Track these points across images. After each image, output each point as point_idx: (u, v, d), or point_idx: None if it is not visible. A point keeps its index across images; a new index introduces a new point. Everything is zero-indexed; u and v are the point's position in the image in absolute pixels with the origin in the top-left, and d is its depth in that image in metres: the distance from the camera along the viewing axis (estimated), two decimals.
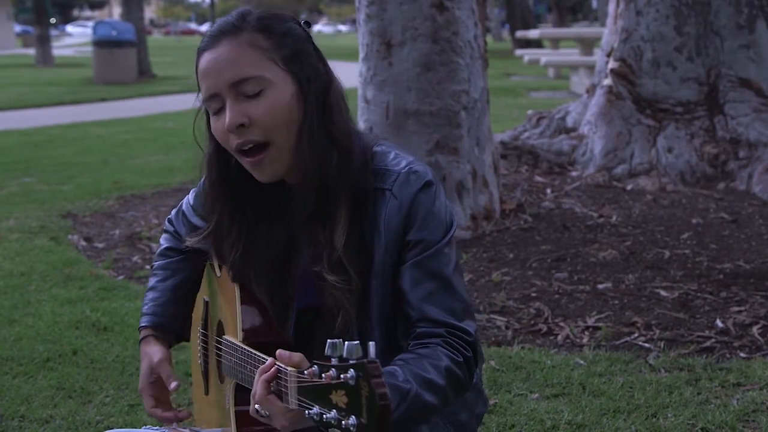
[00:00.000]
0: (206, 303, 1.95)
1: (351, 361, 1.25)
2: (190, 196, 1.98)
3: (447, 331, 1.63)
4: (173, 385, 1.82)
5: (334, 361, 1.27)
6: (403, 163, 1.67)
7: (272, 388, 1.45)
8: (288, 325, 1.73)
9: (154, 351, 1.90)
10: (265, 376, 1.45)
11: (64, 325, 4.14)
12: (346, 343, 1.27)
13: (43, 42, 28.50)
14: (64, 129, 12.40)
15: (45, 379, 3.53)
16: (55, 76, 22.68)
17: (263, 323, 1.73)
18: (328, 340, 1.29)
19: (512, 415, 3.12)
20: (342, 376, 1.24)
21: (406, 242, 1.65)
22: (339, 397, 1.26)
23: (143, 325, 1.94)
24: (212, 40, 1.66)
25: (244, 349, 1.65)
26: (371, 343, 1.27)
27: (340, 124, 1.67)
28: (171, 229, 2.02)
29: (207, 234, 1.78)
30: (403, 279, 1.65)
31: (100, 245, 5.69)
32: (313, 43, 1.69)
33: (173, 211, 2.04)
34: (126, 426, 3.08)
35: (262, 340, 1.68)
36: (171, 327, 1.94)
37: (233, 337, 1.74)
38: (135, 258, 5.34)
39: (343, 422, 1.24)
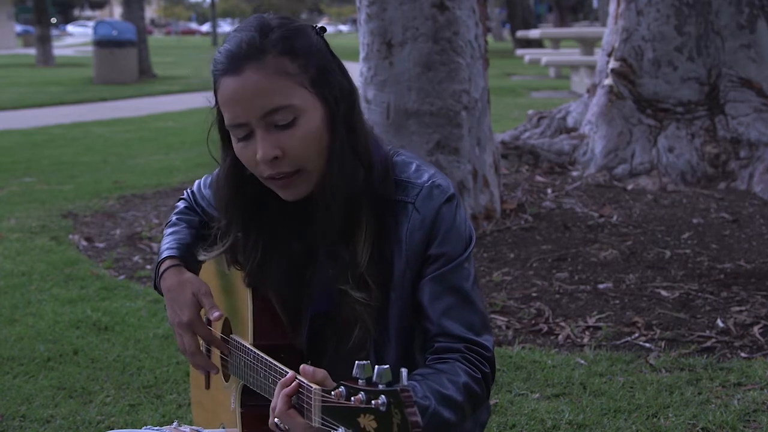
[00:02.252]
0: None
1: (381, 387, 1.24)
2: (202, 183, 1.94)
3: (465, 346, 1.62)
4: (216, 314, 1.73)
5: (361, 383, 1.27)
6: (426, 176, 1.65)
7: (293, 402, 1.43)
8: (301, 330, 1.72)
9: (195, 280, 1.79)
10: (286, 390, 1.43)
11: (65, 324, 4.14)
12: (376, 367, 1.26)
13: (44, 42, 28.50)
14: (65, 129, 12.40)
15: (46, 378, 3.53)
16: (55, 76, 22.69)
17: (275, 327, 1.72)
18: (357, 362, 1.28)
19: (513, 415, 3.12)
20: (373, 402, 1.24)
21: (427, 256, 1.63)
22: (368, 421, 1.25)
23: (170, 255, 1.83)
24: (234, 64, 1.57)
25: (258, 354, 1.64)
26: (403, 370, 1.26)
27: (363, 137, 1.64)
28: (189, 201, 1.96)
29: (224, 249, 1.74)
30: (423, 293, 1.64)
31: (101, 245, 5.69)
32: (330, 51, 1.65)
33: (188, 189, 1.98)
34: (127, 426, 3.08)
35: (272, 343, 1.67)
36: (193, 267, 1.85)
37: (243, 338, 1.72)
38: (136, 258, 5.34)
39: None
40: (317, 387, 1.36)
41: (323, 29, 1.65)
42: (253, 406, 1.72)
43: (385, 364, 1.26)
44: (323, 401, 1.34)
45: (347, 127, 1.62)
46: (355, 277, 1.61)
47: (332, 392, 1.31)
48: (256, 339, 1.69)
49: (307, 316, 1.71)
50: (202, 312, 1.78)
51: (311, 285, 1.70)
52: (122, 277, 4.98)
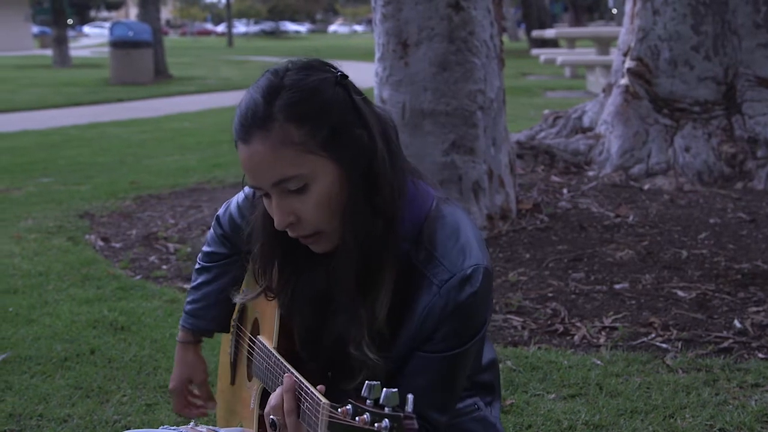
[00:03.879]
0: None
1: (387, 410, 1.26)
2: (240, 197, 1.93)
3: (419, 422, 1.55)
4: (211, 404, 1.93)
5: (369, 404, 1.28)
6: (461, 261, 1.57)
7: (302, 407, 1.46)
8: (317, 362, 1.72)
9: (196, 365, 1.99)
10: (286, 387, 1.50)
11: (82, 324, 4.16)
12: (384, 389, 1.27)
13: (61, 43, 28.63)
14: (82, 129, 12.46)
15: (63, 378, 3.55)
16: (72, 77, 22.79)
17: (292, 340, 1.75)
18: (367, 382, 1.29)
19: (529, 416, 3.12)
20: (376, 424, 1.25)
21: (431, 337, 1.59)
22: None
23: (185, 326, 2.00)
24: (244, 132, 1.55)
25: (279, 359, 1.65)
26: (410, 396, 1.27)
27: (385, 190, 1.57)
28: (219, 231, 1.97)
29: (262, 291, 1.75)
30: (412, 361, 1.61)
31: (118, 245, 5.71)
32: (353, 103, 1.57)
33: (222, 209, 1.98)
34: (143, 425, 3.09)
35: (294, 349, 1.70)
36: (212, 329, 2.01)
37: (268, 341, 1.74)
38: (152, 258, 5.36)
39: None
40: (326, 402, 1.37)
41: (344, 77, 1.58)
42: None
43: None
44: (330, 417, 1.35)
45: (364, 182, 1.56)
46: (372, 334, 1.59)
47: (339, 409, 1.33)
48: (279, 343, 1.71)
49: (325, 349, 1.69)
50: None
51: (328, 325, 1.68)
52: (138, 277, 5.00)
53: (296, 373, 1.55)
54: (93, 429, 3.13)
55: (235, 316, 1.96)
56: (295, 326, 1.72)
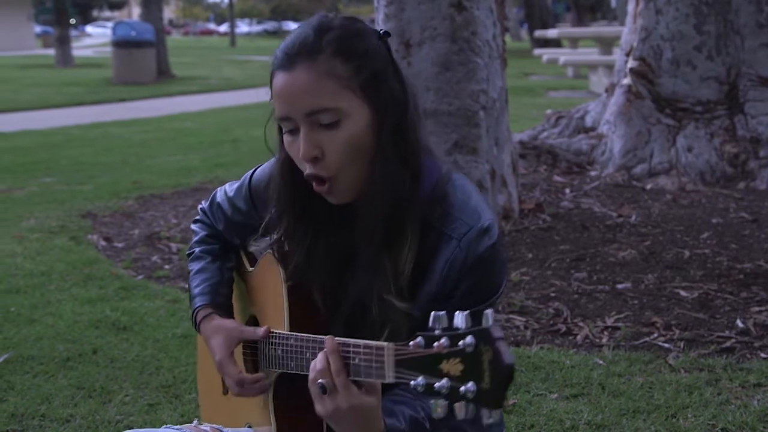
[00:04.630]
0: None
1: (463, 329, 1.25)
2: (228, 188, 1.94)
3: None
4: (261, 331, 1.75)
5: (437, 332, 1.28)
6: (477, 216, 1.62)
7: (351, 364, 1.45)
8: (337, 327, 1.71)
9: (225, 324, 1.82)
10: (330, 348, 1.47)
11: (84, 324, 4.16)
12: (457, 313, 1.28)
13: (63, 42, 28.65)
14: (84, 129, 12.47)
15: (65, 378, 3.55)
16: (74, 77, 22.81)
17: (310, 320, 1.73)
18: (433, 312, 1.29)
19: (531, 416, 3.11)
20: (460, 342, 1.24)
21: (451, 294, 1.62)
22: (452, 366, 1.25)
23: (202, 304, 1.87)
24: (288, 60, 1.59)
25: (300, 336, 1.63)
26: (489, 311, 1.25)
27: (413, 145, 1.63)
28: (207, 221, 1.98)
29: (276, 240, 1.75)
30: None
31: (120, 245, 5.71)
32: (392, 59, 1.64)
33: (205, 203, 1.99)
34: (146, 425, 3.09)
35: (310, 332, 1.66)
36: (226, 307, 1.89)
37: (277, 328, 1.73)
38: (154, 258, 5.36)
39: (461, 388, 1.24)
40: (389, 343, 1.37)
41: (387, 34, 1.65)
42: (287, 398, 1.73)
43: None
44: (398, 355, 1.34)
45: (395, 135, 1.60)
46: (398, 286, 1.61)
47: (410, 343, 1.32)
48: (292, 329, 1.70)
49: (344, 311, 1.71)
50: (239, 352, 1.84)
51: (349, 284, 1.70)
52: (141, 276, 5.00)
53: (321, 336, 1.55)
54: (95, 429, 3.13)
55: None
56: (314, 289, 1.71)
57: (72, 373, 3.60)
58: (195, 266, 1.94)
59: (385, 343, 1.38)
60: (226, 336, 1.80)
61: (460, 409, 1.25)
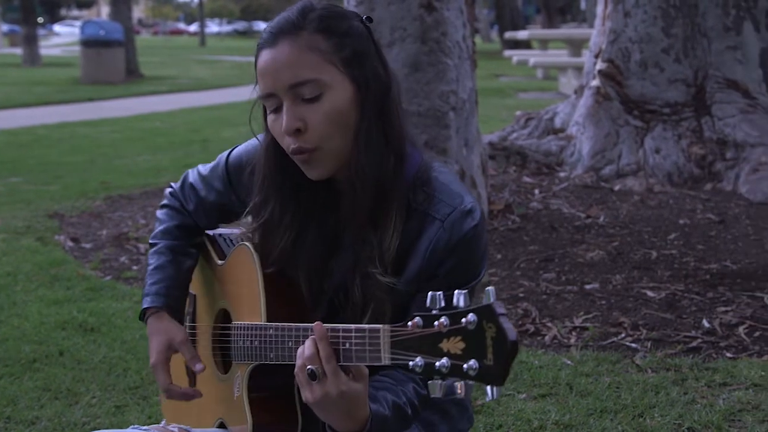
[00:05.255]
0: (193, 297, 1.93)
1: (464, 308, 1.25)
2: (201, 169, 1.92)
3: None
4: (199, 366, 1.77)
5: (435, 312, 1.28)
6: (460, 199, 1.65)
7: (342, 349, 1.45)
8: (319, 312, 1.72)
9: (172, 328, 1.82)
10: (319, 334, 1.46)
11: (51, 325, 4.13)
12: (456, 292, 1.27)
13: (31, 41, 28.37)
14: (52, 129, 12.36)
15: (31, 380, 3.52)
16: (42, 76, 22.60)
17: (289, 309, 1.71)
18: (430, 293, 1.30)
19: (499, 416, 3.12)
20: (462, 320, 1.24)
21: (435, 274, 1.64)
22: (452, 344, 1.25)
23: (156, 305, 1.85)
24: (272, 37, 1.64)
25: (279, 324, 1.62)
26: (490, 288, 1.26)
27: (396, 127, 1.66)
28: (176, 204, 1.95)
29: (261, 224, 1.75)
30: (415, 306, 1.64)
31: (88, 245, 5.67)
32: (374, 41, 1.68)
33: (176, 185, 1.96)
34: (113, 427, 3.07)
35: (288, 321, 1.65)
36: (176, 310, 1.87)
37: (252, 320, 1.70)
38: (122, 258, 5.33)
39: (464, 366, 1.23)
40: (384, 326, 1.37)
41: (369, 19, 1.70)
42: (261, 390, 1.72)
43: None
44: (393, 336, 1.34)
45: (378, 112, 1.64)
46: (383, 262, 1.63)
47: (408, 323, 1.31)
48: (269, 319, 1.67)
49: (326, 296, 1.72)
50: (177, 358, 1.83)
51: (334, 267, 1.71)
52: (109, 277, 4.97)
53: (303, 324, 1.55)
54: (62, 431, 3.10)
55: (185, 320, 1.92)
56: (299, 275, 1.72)
57: (38, 374, 3.57)
58: (154, 261, 1.91)
59: (380, 326, 1.38)
60: (168, 341, 1.81)
61: (461, 388, 1.25)
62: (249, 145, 1.83)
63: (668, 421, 3.05)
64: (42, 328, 4.10)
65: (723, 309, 4.09)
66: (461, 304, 1.27)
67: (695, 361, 3.54)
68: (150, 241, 1.96)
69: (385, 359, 1.37)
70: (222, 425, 1.83)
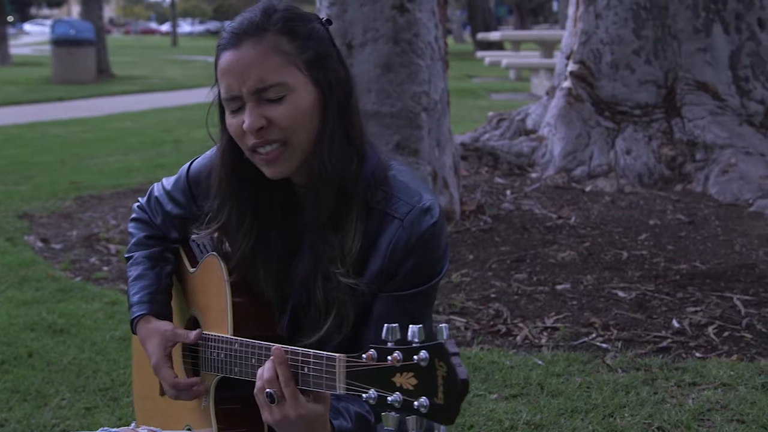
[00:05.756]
0: None
1: (417, 344, 1.25)
2: (165, 182, 1.93)
3: None
4: (194, 334, 1.77)
5: (390, 345, 1.28)
6: (418, 197, 1.66)
7: (300, 373, 1.45)
8: (282, 319, 1.73)
9: (160, 325, 1.82)
10: (279, 359, 1.47)
11: (20, 327, 4.09)
12: (410, 327, 1.27)
13: (1, 41, 28.11)
14: (22, 129, 12.25)
15: (0, 382, 3.49)
16: (12, 75, 22.39)
17: (255, 319, 1.72)
18: (386, 325, 1.30)
19: (471, 416, 3.13)
20: (415, 357, 1.24)
21: (395, 273, 1.64)
22: (405, 380, 1.25)
23: (141, 313, 1.84)
24: (234, 38, 1.63)
25: (244, 341, 1.63)
26: (444, 326, 1.27)
27: (358, 128, 1.67)
28: (145, 217, 1.96)
29: (217, 228, 1.75)
30: (378, 306, 1.65)
31: (58, 246, 5.62)
32: (334, 44, 1.68)
33: (143, 199, 1.98)
34: (82, 429, 3.05)
35: (253, 335, 1.66)
36: (164, 315, 1.87)
37: (219, 331, 1.71)
38: (93, 259, 5.29)
39: (414, 403, 1.24)
40: (341, 355, 1.38)
41: (329, 21, 1.70)
42: (228, 401, 1.71)
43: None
44: (348, 367, 1.35)
45: (341, 114, 1.64)
46: (345, 263, 1.63)
47: (363, 356, 1.32)
48: (236, 332, 1.68)
49: (289, 303, 1.72)
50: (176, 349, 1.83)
51: (295, 272, 1.71)
52: (79, 278, 4.93)
53: (266, 343, 1.56)
54: None
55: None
56: (261, 281, 1.72)
57: (7, 376, 3.54)
58: (133, 272, 1.92)
59: (336, 354, 1.39)
60: (161, 338, 1.80)
61: (413, 423, 1.26)
62: (207, 156, 1.83)
63: (638, 421, 3.07)
64: (11, 329, 4.06)
65: (692, 309, 4.12)
66: (415, 339, 1.27)
67: (665, 361, 3.56)
68: (125, 255, 1.98)
69: (340, 389, 1.37)
70: (190, 431, 1.83)
